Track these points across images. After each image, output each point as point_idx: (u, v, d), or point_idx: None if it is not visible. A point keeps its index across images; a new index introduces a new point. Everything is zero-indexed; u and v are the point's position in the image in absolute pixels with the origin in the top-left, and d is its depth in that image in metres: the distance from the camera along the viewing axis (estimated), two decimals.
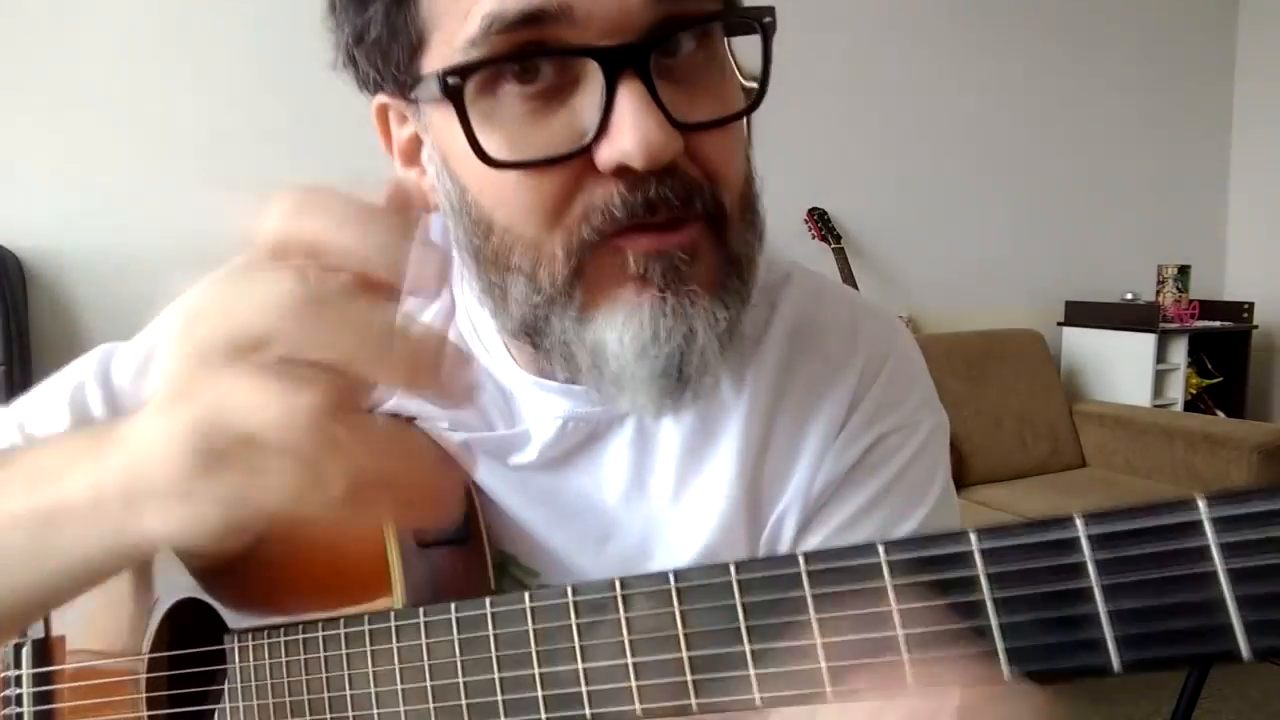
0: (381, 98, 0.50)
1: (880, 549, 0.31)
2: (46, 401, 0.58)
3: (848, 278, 2.72)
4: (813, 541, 0.55)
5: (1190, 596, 0.27)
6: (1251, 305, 3.27)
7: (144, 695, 0.60)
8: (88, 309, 2.17)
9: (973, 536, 0.30)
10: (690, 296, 0.44)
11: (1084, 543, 0.28)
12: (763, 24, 0.45)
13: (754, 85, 0.47)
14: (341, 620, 0.48)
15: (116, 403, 0.57)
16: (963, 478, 2.70)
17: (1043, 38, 3.27)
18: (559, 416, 0.54)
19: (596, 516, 0.55)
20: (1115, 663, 0.28)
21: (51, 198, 2.14)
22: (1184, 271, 3.20)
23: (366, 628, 0.46)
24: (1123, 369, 3.09)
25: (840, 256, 2.77)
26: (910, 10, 3.06)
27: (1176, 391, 3.11)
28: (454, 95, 0.42)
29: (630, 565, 0.55)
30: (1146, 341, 3.02)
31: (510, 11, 0.40)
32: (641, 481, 0.55)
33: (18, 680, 0.63)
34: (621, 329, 0.44)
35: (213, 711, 0.56)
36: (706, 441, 0.55)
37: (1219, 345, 3.29)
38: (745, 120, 0.48)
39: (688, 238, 0.44)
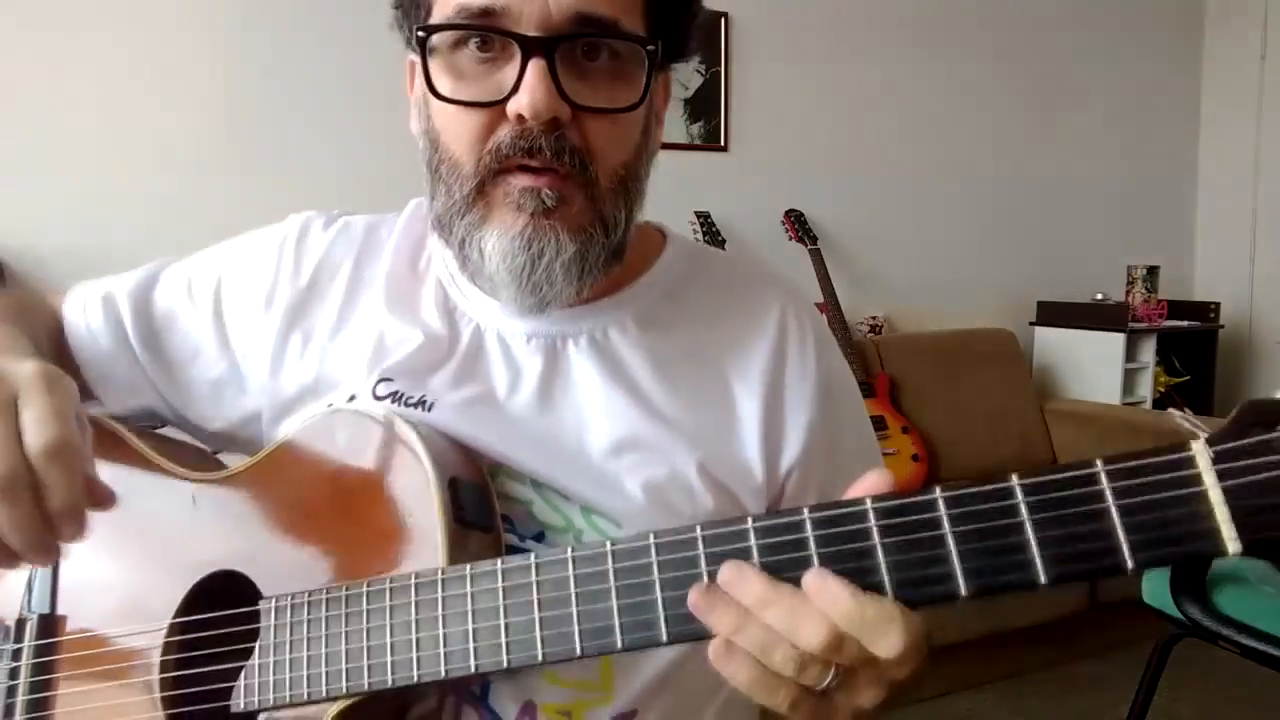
0: (411, 55, 0.67)
1: (868, 501, 0.44)
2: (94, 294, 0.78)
3: (824, 278, 2.77)
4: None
5: (1092, 527, 0.41)
6: (1218, 305, 3.34)
7: (158, 660, 0.62)
8: None
9: (938, 489, 0.43)
10: (548, 228, 0.61)
11: (1018, 490, 0.42)
12: (646, 51, 0.61)
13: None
14: (388, 578, 0.53)
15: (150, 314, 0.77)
16: (935, 475, 2.75)
17: (1013, 41, 3.33)
18: (524, 334, 0.69)
19: (577, 430, 0.67)
20: (1043, 577, 0.42)
21: (33, 197, 2.15)
22: (1153, 272, 3.26)
23: (414, 581, 0.52)
24: (1093, 368, 3.15)
25: (816, 257, 2.81)
26: (884, 15, 3.11)
27: (1145, 390, 3.17)
28: (421, 46, 0.61)
29: (612, 470, 0.66)
30: (1116, 341, 3.08)
31: (473, 5, 0.58)
32: (608, 384, 0.68)
33: (15, 654, 0.64)
34: (496, 239, 0.61)
35: (238, 671, 0.58)
36: (650, 351, 0.70)
37: (1187, 344, 3.36)
38: (645, 129, 0.65)
39: (555, 181, 0.60)
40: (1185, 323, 3.31)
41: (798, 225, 2.90)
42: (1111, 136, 3.55)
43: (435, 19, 0.61)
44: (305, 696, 0.55)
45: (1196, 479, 0.40)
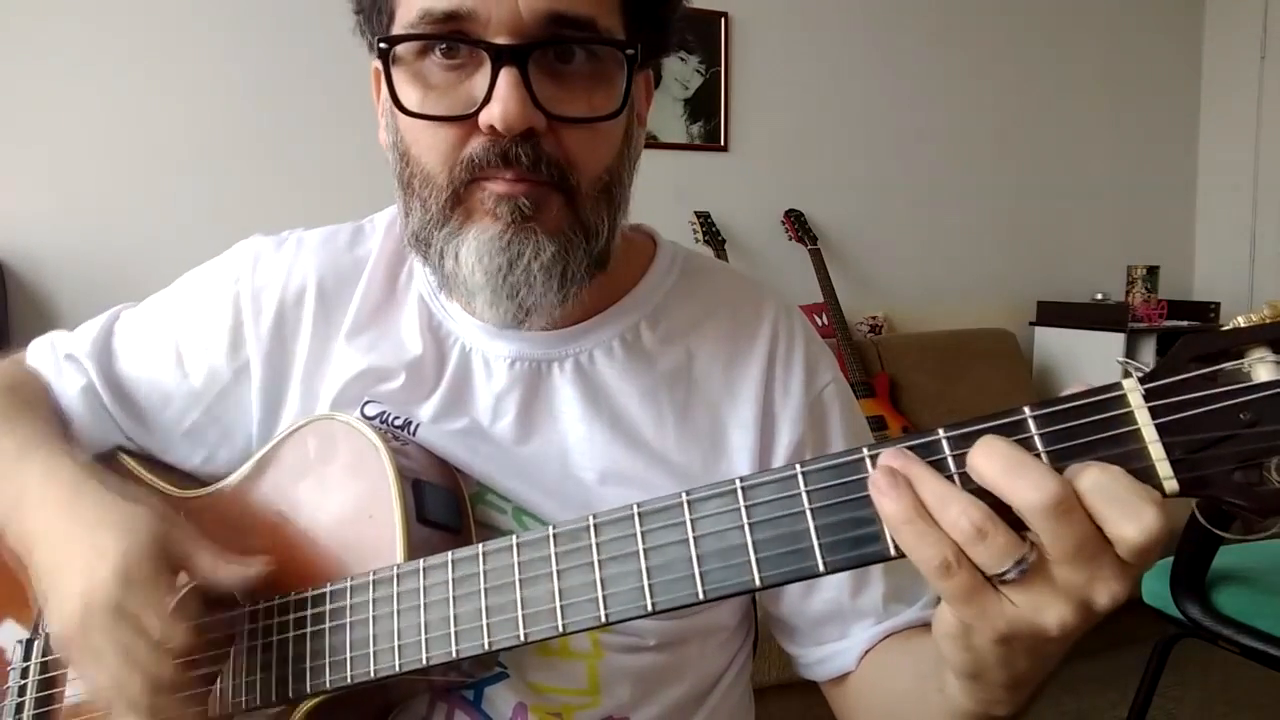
0: (375, 62, 0.63)
1: (797, 467, 0.43)
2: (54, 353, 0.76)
3: (824, 278, 2.77)
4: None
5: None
6: (1218, 305, 3.33)
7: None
8: (68, 311, 2.18)
9: (865, 449, 0.42)
10: (527, 232, 0.58)
11: (944, 444, 0.41)
12: (625, 55, 0.58)
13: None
14: (348, 578, 0.54)
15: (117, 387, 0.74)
16: None
17: (1013, 43, 3.33)
18: (507, 357, 0.67)
19: (561, 459, 0.66)
20: None
21: (33, 201, 2.16)
22: (1153, 272, 3.26)
23: (371, 578, 0.53)
24: (1093, 367, 3.15)
25: (816, 257, 2.81)
26: (884, 17, 3.11)
27: None
28: (384, 57, 0.58)
29: (594, 495, 0.65)
30: (1116, 340, 3.07)
31: (436, 10, 0.55)
32: (591, 414, 0.66)
33: (24, 672, 0.65)
34: (472, 243, 0.59)
35: (216, 675, 0.59)
36: (636, 379, 0.68)
37: None
38: (626, 132, 0.63)
39: (532, 189, 0.57)
40: (1185, 323, 3.31)
41: (798, 225, 2.90)
42: (1111, 136, 3.54)
43: (398, 26, 0.58)
44: (274, 699, 0.56)
45: (1128, 417, 0.38)
